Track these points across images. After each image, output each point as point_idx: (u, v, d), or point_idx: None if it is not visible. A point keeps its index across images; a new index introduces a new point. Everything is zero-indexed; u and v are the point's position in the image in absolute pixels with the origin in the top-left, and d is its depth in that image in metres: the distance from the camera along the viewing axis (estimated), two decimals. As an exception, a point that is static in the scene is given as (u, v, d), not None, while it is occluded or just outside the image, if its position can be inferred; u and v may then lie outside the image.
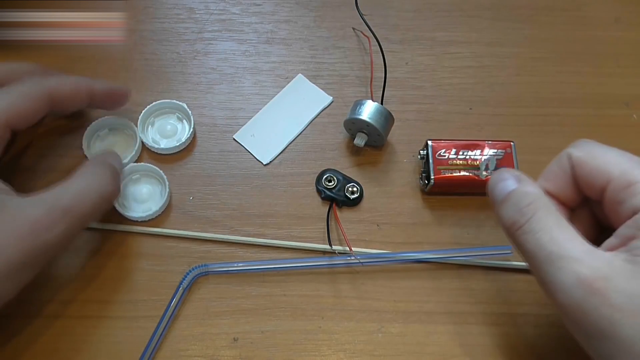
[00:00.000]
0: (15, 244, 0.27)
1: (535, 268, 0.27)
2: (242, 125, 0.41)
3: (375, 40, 0.41)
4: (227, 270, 0.35)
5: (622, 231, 0.27)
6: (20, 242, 0.28)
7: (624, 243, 0.26)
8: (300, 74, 0.43)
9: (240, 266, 0.35)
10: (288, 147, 0.40)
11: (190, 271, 0.35)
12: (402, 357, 0.34)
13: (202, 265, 0.35)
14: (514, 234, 0.28)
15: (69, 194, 0.30)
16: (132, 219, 0.37)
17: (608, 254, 0.26)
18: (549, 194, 0.30)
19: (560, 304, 0.26)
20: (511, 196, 0.29)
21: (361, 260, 0.35)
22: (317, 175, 0.39)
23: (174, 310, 0.34)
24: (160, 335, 0.33)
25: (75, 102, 0.35)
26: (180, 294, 0.34)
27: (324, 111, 0.42)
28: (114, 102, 0.38)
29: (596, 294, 0.25)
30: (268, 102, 0.42)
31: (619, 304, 0.24)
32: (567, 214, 0.31)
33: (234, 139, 0.40)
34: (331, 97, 0.42)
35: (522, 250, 0.28)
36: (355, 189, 0.38)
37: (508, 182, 0.29)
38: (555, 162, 0.30)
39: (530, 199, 0.28)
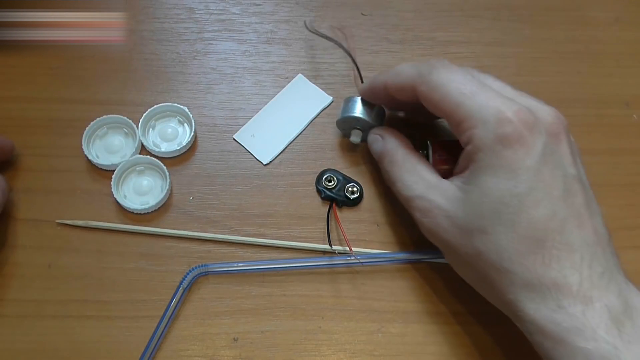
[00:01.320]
0: None
1: (407, 209, 0.34)
2: (242, 125, 0.41)
3: (343, 47, 0.40)
4: (227, 270, 0.35)
5: (460, 161, 0.31)
6: None
7: (461, 171, 0.31)
8: (300, 74, 0.43)
9: (240, 266, 0.35)
10: (288, 147, 0.40)
11: (190, 271, 0.35)
12: (402, 357, 0.34)
13: (202, 265, 0.35)
14: (392, 189, 0.35)
15: None
16: (129, 210, 0.37)
17: (446, 184, 0.31)
18: (391, 94, 0.34)
19: (425, 234, 0.33)
20: (379, 158, 0.36)
21: (361, 260, 0.35)
22: (317, 175, 0.39)
23: (174, 310, 0.34)
24: (160, 335, 0.33)
25: None
26: (180, 294, 0.34)
27: (324, 111, 0.42)
28: None
29: (433, 223, 0.31)
30: (268, 102, 0.42)
31: (447, 227, 0.30)
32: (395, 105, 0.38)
33: (234, 139, 0.40)
34: (331, 97, 0.42)
35: (398, 199, 0.34)
36: (355, 189, 0.38)
37: (377, 143, 0.36)
38: (401, 83, 0.33)
39: (388, 156, 0.35)
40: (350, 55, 0.40)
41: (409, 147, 0.35)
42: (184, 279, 0.34)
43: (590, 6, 0.47)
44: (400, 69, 0.33)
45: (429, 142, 0.38)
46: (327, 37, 0.41)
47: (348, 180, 0.39)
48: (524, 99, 0.31)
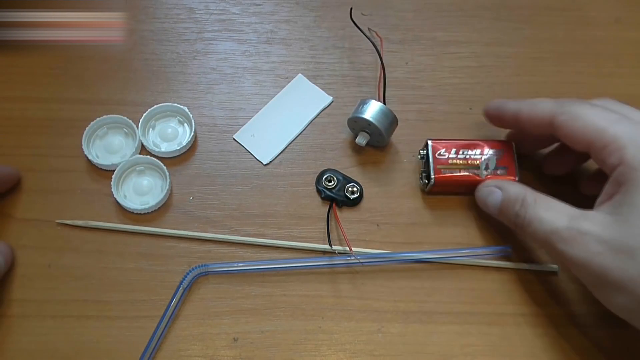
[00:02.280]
0: None
1: (548, 250, 0.32)
2: (242, 125, 0.41)
3: (372, 43, 0.41)
4: (227, 270, 0.35)
5: (606, 189, 0.30)
6: None
7: (609, 198, 0.30)
8: (300, 74, 0.43)
9: (240, 266, 0.35)
10: (288, 147, 0.40)
11: (190, 271, 0.35)
12: (402, 357, 0.34)
13: (202, 265, 0.35)
14: (522, 233, 0.33)
15: None
16: (129, 210, 0.37)
17: (592, 213, 0.30)
18: (521, 125, 0.35)
19: (573, 269, 0.30)
20: (503, 207, 0.34)
21: (361, 260, 0.35)
22: (317, 175, 0.39)
23: (174, 310, 0.34)
24: (161, 335, 0.33)
25: None
26: (180, 294, 0.34)
27: (324, 111, 0.42)
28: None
29: (584, 250, 0.29)
30: (268, 102, 0.42)
31: (602, 251, 0.28)
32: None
33: (234, 139, 0.40)
34: (331, 97, 0.42)
35: (534, 241, 0.33)
36: (355, 189, 0.38)
37: (495, 194, 0.35)
38: (536, 113, 0.33)
39: (518, 201, 0.33)
40: (380, 58, 0.40)
41: (532, 190, 0.33)
42: (184, 279, 0.34)
43: (590, 6, 0.47)
44: (537, 100, 0.34)
45: (428, 141, 0.38)
46: (364, 34, 0.42)
47: (348, 180, 0.39)
48: None
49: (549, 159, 0.38)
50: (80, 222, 0.36)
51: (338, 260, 0.36)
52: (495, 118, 0.37)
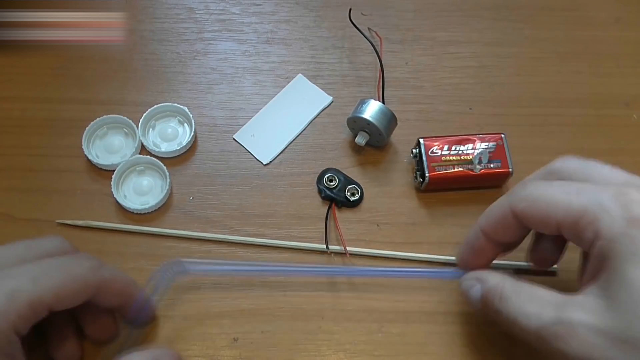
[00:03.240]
0: None
1: (542, 348, 0.27)
2: (242, 125, 0.41)
3: (371, 44, 0.41)
4: (207, 269, 0.34)
5: (589, 267, 0.27)
6: None
7: (593, 277, 0.26)
8: (300, 74, 0.43)
9: (220, 266, 0.34)
10: (288, 147, 0.40)
11: (162, 269, 0.33)
12: (402, 357, 0.34)
13: (178, 262, 0.33)
14: (511, 332, 0.28)
15: None
16: (129, 210, 0.37)
17: (580, 297, 0.26)
18: (496, 241, 0.31)
19: None
20: (483, 302, 0.30)
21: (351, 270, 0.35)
22: (317, 175, 0.39)
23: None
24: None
25: (111, 302, 0.31)
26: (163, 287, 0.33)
27: (324, 111, 0.42)
28: (135, 317, 0.32)
29: (583, 346, 0.25)
30: (268, 102, 0.42)
31: (601, 344, 0.24)
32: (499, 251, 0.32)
33: (234, 139, 0.40)
34: (331, 97, 0.42)
35: (526, 340, 0.28)
36: (355, 190, 0.38)
37: (474, 289, 0.31)
38: (496, 216, 0.30)
39: (497, 296, 0.29)
40: (379, 58, 0.40)
41: (511, 275, 0.30)
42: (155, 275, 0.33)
43: (590, 6, 0.47)
44: (488, 208, 0.31)
45: (420, 139, 0.38)
46: (363, 34, 0.41)
47: (349, 181, 0.39)
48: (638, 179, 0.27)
49: (533, 256, 0.33)
50: (80, 222, 0.36)
51: (320, 268, 0.35)
52: (475, 258, 0.32)
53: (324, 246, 0.36)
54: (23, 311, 0.26)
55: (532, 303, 0.27)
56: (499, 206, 0.30)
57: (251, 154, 0.40)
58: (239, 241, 0.36)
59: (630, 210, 0.25)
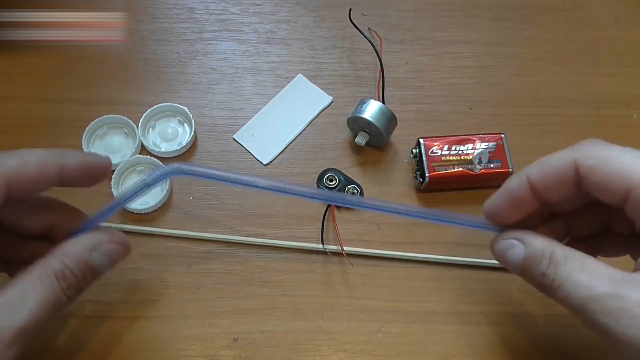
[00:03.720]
0: None
1: (583, 320, 0.26)
2: (243, 125, 0.41)
3: (371, 44, 0.41)
4: (203, 174, 0.31)
5: None
6: None
7: None
8: (300, 74, 0.43)
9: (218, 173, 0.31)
10: (288, 147, 0.40)
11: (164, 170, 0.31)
12: (402, 357, 0.34)
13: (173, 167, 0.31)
14: (550, 295, 0.27)
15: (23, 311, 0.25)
16: (129, 210, 0.37)
17: (638, 276, 0.24)
18: (542, 197, 0.28)
19: (616, 343, 0.24)
20: (526, 264, 0.28)
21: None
22: (317, 175, 0.39)
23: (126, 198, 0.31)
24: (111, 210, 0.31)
25: (81, 183, 0.29)
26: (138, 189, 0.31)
27: (324, 111, 0.42)
28: (90, 178, 0.30)
29: (635, 326, 0.23)
30: (268, 102, 0.42)
31: None
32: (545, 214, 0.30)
33: (234, 139, 0.40)
34: (331, 97, 0.42)
35: (566, 307, 0.26)
36: (355, 191, 0.38)
37: (516, 249, 0.28)
38: (555, 168, 0.27)
39: (545, 258, 0.27)
40: (379, 58, 0.40)
41: (560, 244, 0.27)
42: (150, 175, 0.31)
43: (590, 6, 0.47)
44: (546, 157, 0.27)
45: (420, 139, 0.38)
46: (363, 34, 0.41)
47: (349, 181, 0.39)
48: None
49: (572, 220, 0.30)
50: None
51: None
52: (505, 209, 0.29)
53: (322, 245, 0.36)
54: None
55: (584, 272, 0.25)
56: (559, 157, 0.27)
57: (251, 154, 0.40)
58: (239, 241, 0.36)
59: None
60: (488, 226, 0.30)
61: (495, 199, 0.29)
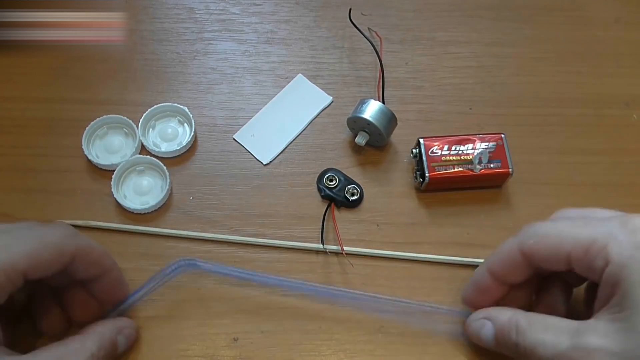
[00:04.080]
0: None
1: None
2: (243, 125, 0.41)
3: (371, 44, 0.41)
4: (215, 271, 0.34)
5: (600, 294, 0.28)
6: None
7: (606, 303, 0.27)
8: (300, 74, 0.43)
9: (230, 270, 0.34)
10: (288, 147, 0.40)
11: (178, 262, 0.34)
12: (402, 357, 0.34)
13: (190, 260, 0.34)
14: (520, 358, 0.29)
15: None
16: (129, 210, 0.37)
17: (593, 322, 0.27)
18: (499, 280, 0.31)
19: None
20: (498, 339, 0.30)
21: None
22: (318, 174, 0.39)
23: (145, 293, 0.33)
24: (121, 304, 0.33)
25: (89, 271, 0.30)
26: (159, 281, 0.34)
27: (323, 111, 0.42)
28: (110, 298, 0.33)
29: None
30: (268, 102, 0.42)
31: None
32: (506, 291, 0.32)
33: (234, 139, 0.40)
34: (331, 97, 0.42)
35: None
36: (355, 191, 0.38)
37: (486, 327, 0.31)
38: (504, 255, 0.30)
39: (512, 330, 0.29)
40: (379, 58, 0.40)
41: (520, 308, 0.31)
42: (170, 267, 0.33)
43: (590, 6, 0.47)
44: (499, 246, 0.31)
45: (420, 139, 0.38)
46: (363, 34, 0.41)
47: (349, 181, 0.39)
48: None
49: (539, 308, 0.32)
50: (80, 222, 0.36)
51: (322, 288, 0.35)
52: (481, 298, 0.32)
53: (322, 245, 0.36)
54: None
55: (548, 332, 0.28)
56: (507, 245, 0.30)
57: (251, 154, 0.40)
58: (239, 241, 0.36)
59: (637, 235, 0.26)
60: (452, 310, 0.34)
61: (467, 290, 0.33)
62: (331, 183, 0.38)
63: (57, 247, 0.28)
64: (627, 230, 0.27)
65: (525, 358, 0.29)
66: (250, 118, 0.41)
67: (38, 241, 0.28)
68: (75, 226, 0.36)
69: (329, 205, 0.37)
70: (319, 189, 0.38)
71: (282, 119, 0.41)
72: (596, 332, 0.26)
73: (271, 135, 0.40)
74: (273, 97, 0.42)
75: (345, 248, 0.36)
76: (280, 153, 0.40)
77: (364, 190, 0.39)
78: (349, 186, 0.38)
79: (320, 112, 0.41)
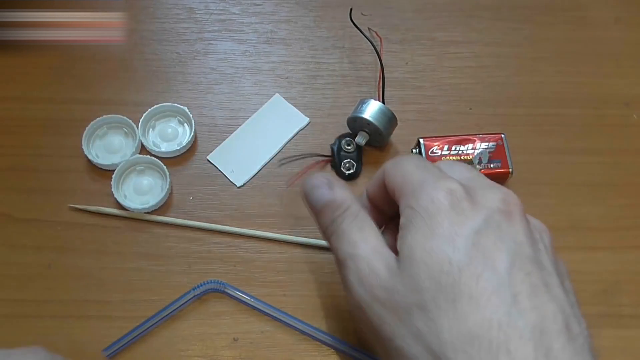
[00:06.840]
0: None
1: (340, 272, 0.28)
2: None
3: (371, 44, 0.41)
4: (240, 299, 0.35)
5: (398, 237, 0.27)
6: None
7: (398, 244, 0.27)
8: (277, 94, 0.42)
9: (254, 303, 0.35)
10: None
11: (206, 283, 0.34)
12: (402, 357, 0.34)
13: (219, 282, 0.34)
14: (327, 239, 0.29)
15: None
16: (128, 209, 0.37)
17: (388, 252, 0.27)
18: (372, 203, 0.31)
19: (350, 303, 0.27)
20: (326, 207, 0.29)
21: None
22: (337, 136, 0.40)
23: (171, 312, 0.34)
24: (144, 331, 0.33)
25: None
26: (186, 300, 0.34)
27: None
28: None
29: (371, 291, 0.26)
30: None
31: (383, 300, 0.25)
32: (384, 221, 0.31)
33: (207, 160, 0.39)
34: (308, 118, 0.41)
35: (334, 253, 0.28)
36: (350, 165, 0.39)
37: (322, 190, 0.30)
38: (376, 177, 0.30)
39: (341, 208, 0.29)
40: (379, 58, 0.40)
41: (359, 203, 0.30)
42: (196, 288, 0.34)
43: (590, 6, 0.47)
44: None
45: (420, 139, 0.38)
46: (363, 34, 0.41)
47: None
48: (478, 180, 0.28)
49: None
50: (91, 208, 0.37)
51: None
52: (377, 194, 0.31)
53: (325, 242, 0.36)
54: None
55: (360, 232, 0.28)
56: (377, 174, 0.30)
57: (225, 176, 0.39)
58: (239, 233, 0.37)
59: (433, 196, 0.26)
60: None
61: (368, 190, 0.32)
62: (348, 147, 0.39)
63: None
64: (427, 191, 0.26)
65: (328, 237, 0.29)
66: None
67: None
68: (75, 226, 0.37)
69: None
70: (331, 148, 0.39)
71: (258, 139, 0.40)
72: (386, 261, 0.26)
73: (246, 156, 0.39)
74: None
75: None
76: (254, 175, 0.39)
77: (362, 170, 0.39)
78: (344, 161, 0.39)
79: (297, 133, 0.41)
